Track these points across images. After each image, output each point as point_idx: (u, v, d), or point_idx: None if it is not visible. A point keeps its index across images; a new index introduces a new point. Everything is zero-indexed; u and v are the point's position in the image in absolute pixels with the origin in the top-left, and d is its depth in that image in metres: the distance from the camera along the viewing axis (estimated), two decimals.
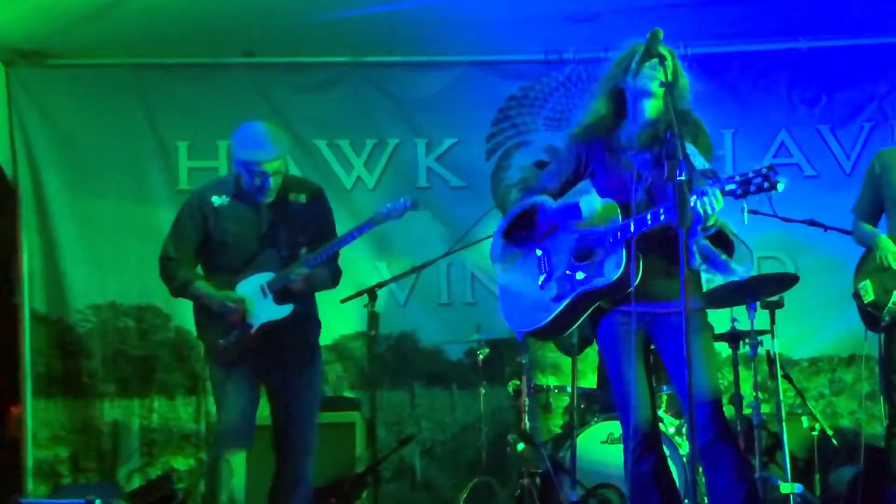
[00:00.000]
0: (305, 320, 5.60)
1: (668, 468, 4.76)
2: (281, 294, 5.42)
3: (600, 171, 4.71)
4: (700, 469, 4.86)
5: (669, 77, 4.40)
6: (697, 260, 4.38)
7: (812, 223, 6.53)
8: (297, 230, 5.50)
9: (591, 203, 4.57)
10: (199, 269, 5.65)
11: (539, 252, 4.80)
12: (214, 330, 5.50)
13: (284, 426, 5.56)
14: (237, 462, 5.38)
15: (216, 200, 5.51)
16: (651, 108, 4.54)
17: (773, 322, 6.36)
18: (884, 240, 5.73)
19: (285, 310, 5.41)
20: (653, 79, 4.45)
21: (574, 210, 4.61)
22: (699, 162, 4.29)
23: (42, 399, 7.61)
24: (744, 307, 6.30)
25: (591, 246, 4.59)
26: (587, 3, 7.06)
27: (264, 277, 5.44)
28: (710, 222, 4.25)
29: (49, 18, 6.94)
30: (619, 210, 4.50)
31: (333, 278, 5.69)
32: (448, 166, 7.90)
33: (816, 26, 7.49)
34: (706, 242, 4.38)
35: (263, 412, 5.65)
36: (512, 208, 4.90)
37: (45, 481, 7.52)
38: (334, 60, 7.83)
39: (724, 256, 4.39)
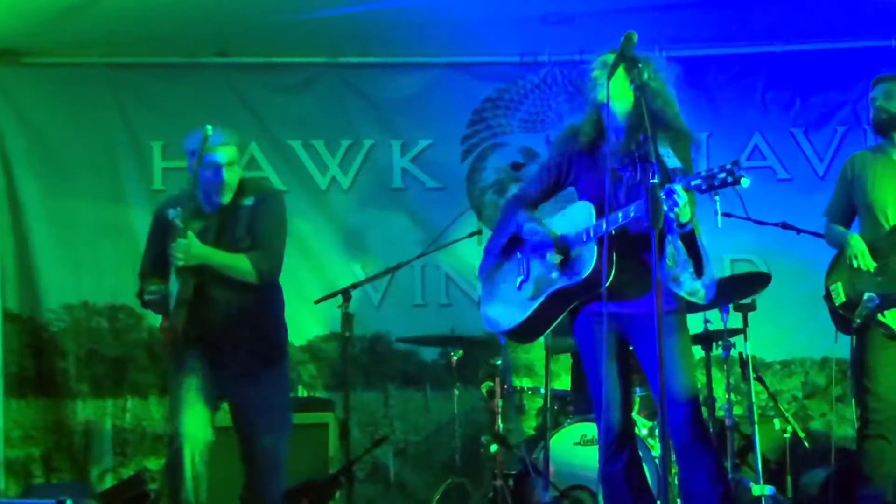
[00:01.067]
0: (253, 322, 5.43)
1: (641, 467, 4.80)
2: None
3: (582, 177, 4.76)
4: (675, 470, 4.89)
5: (643, 79, 4.41)
6: (669, 261, 4.41)
7: (785, 226, 6.55)
8: (241, 234, 5.35)
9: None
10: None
11: (519, 255, 4.87)
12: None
13: (249, 436, 5.46)
14: (194, 454, 5.23)
15: (171, 213, 5.34)
16: (623, 110, 4.56)
17: (745, 324, 6.38)
18: (854, 238, 5.73)
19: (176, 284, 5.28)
20: (620, 81, 4.47)
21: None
22: (672, 162, 4.34)
23: (14, 398, 7.57)
24: (716, 309, 6.32)
25: (566, 246, 4.63)
26: (563, 5, 7.07)
27: None
28: (684, 219, 4.28)
29: (23, 17, 6.91)
30: (594, 210, 4.52)
31: (258, 275, 5.33)
32: (423, 167, 7.89)
33: (790, 30, 7.53)
34: (681, 245, 4.42)
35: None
36: (499, 224, 5.01)
37: (16, 481, 7.48)
38: (309, 61, 7.81)
39: (691, 269, 4.45)
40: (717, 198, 4.19)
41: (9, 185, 7.62)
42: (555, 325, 4.79)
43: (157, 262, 5.46)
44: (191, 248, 5.21)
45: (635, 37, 4.38)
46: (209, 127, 5.21)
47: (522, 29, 7.41)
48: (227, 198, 5.37)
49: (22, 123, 7.67)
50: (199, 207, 5.37)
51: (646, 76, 4.44)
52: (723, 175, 4.05)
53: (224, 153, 5.26)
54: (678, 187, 4.16)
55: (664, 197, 4.14)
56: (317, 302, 6.36)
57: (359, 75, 7.88)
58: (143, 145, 7.76)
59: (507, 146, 7.92)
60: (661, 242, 4.42)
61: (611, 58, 4.45)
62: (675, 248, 4.44)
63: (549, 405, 6.32)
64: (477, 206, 7.82)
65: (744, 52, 7.81)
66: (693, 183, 4.13)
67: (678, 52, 7.16)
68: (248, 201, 5.39)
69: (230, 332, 5.35)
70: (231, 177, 5.32)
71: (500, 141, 7.92)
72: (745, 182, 4.03)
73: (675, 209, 4.16)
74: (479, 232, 7.09)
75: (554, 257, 4.63)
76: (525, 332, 4.90)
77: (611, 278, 4.45)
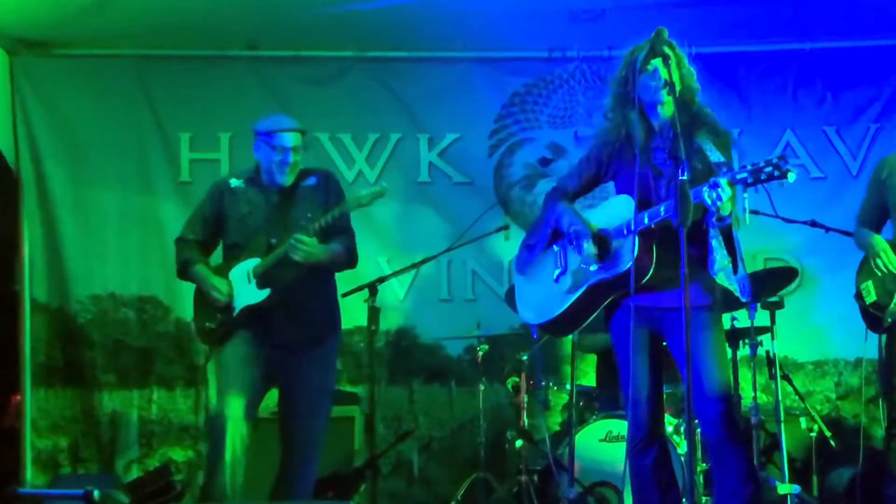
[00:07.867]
0: (312, 302, 5.65)
1: (670, 464, 4.79)
2: (262, 279, 5.53)
3: (622, 171, 4.77)
4: (701, 468, 4.88)
5: (674, 76, 4.41)
6: (719, 265, 4.40)
7: (814, 224, 6.51)
8: (306, 211, 5.60)
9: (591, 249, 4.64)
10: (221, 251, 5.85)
11: (556, 248, 4.86)
12: (205, 314, 5.66)
13: (290, 415, 5.59)
14: (235, 440, 5.33)
15: (233, 182, 5.75)
16: (664, 109, 4.57)
17: (772, 322, 6.34)
18: (877, 240, 5.69)
19: (262, 294, 5.52)
20: (657, 89, 4.48)
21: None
22: (714, 156, 4.34)
23: (42, 388, 7.60)
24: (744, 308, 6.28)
25: (605, 238, 4.65)
26: (592, 0, 7.05)
27: (252, 263, 5.57)
28: (725, 212, 4.26)
29: (54, 8, 6.94)
30: (634, 205, 4.50)
31: (349, 255, 5.78)
32: (450, 162, 7.87)
33: (821, 27, 7.47)
34: (721, 239, 4.41)
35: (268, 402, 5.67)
36: (538, 218, 5.05)
37: (44, 471, 7.52)
38: (338, 54, 7.81)
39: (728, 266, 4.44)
40: (745, 195, 4.17)
41: (37, 175, 7.64)
42: (591, 319, 4.78)
43: (205, 224, 5.79)
44: (314, 247, 5.46)
45: (665, 32, 4.39)
46: (281, 114, 5.74)
47: (551, 24, 7.38)
48: (290, 179, 5.65)
49: (51, 114, 7.69)
50: (262, 183, 5.68)
51: (685, 72, 4.47)
52: (769, 169, 4.04)
53: (292, 137, 5.60)
54: (723, 181, 4.14)
55: (709, 190, 4.14)
56: (343, 295, 6.35)
57: (387, 69, 7.87)
58: (172, 137, 7.78)
59: (535, 142, 7.89)
60: (704, 236, 4.46)
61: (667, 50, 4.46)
62: (717, 243, 4.43)
63: (574, 401, 6.31)
64: (504, 201, 7.80)
65: (774, 49, 7.74)
66: (739, 176, 4.12)
67: (708, 49, 7.14)
68: (311, 181, 5.71)
69: (285, 310, 5.54)
70: (297, 159, 5.64)
71: (528, 136, 7.89)
72: (792, 176, 4.01)
73: (718, 203, 4.15)
74: (506, 227, 7.06)
75: (591, 247, 4.61)
76: (561, 325, 4.91)
77: (650, 272, 4.44)
